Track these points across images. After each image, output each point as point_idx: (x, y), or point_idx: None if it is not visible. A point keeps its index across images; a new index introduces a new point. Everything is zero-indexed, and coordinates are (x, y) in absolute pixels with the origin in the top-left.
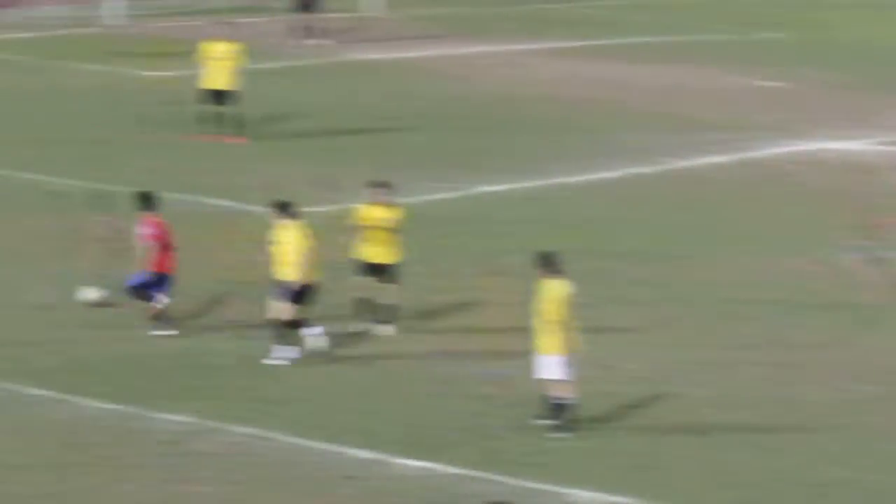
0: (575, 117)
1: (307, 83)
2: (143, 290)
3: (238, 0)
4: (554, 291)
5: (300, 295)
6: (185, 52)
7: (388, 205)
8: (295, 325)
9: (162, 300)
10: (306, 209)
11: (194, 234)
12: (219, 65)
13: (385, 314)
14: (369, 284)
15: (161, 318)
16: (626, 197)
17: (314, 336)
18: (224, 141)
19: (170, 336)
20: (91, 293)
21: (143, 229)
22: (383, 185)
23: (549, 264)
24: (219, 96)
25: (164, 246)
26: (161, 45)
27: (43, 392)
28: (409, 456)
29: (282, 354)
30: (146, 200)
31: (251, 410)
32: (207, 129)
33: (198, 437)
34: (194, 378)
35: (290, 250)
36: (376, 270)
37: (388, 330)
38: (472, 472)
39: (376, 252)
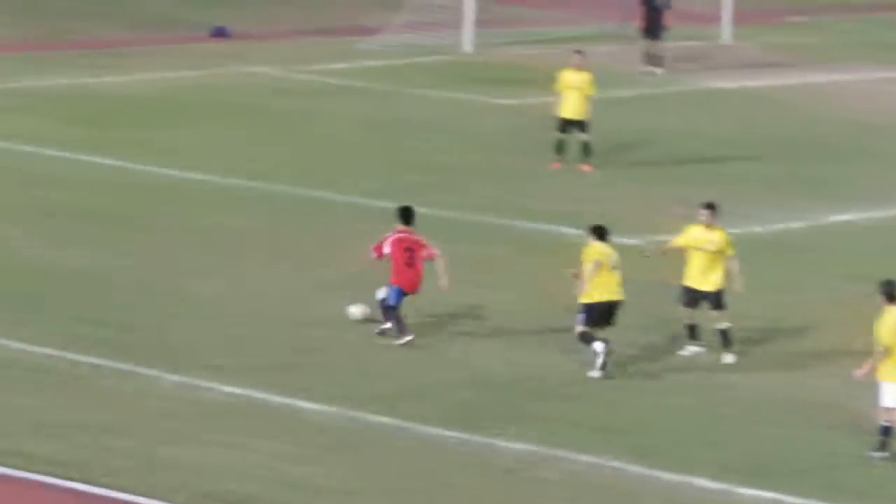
0: None
1: (654, 111)
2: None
3: (588, 28)
4: (893, 319)
5: (601, 314)
6: (534, 80)
7: (711, 227)
8: (587, 339)
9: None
10: (648, 237)
11: (532, 261)
12: (573, 94)
13: (723, 341)
14: (692, 309)
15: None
16: None
17: (599, 353)
18: (579, 168)
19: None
20: (357, 310)
21: (392, 242)
22: (708, 206)
23: (891, 292)
24: (571, 125)
25: (409, 261)
26: (511, 73)
27: (384, 419)
28: (754, 486)
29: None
30: (405, 214)
31: (592, 438)
32: (559, 156)
33: (541, 464)
34: (531, 403)
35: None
36: (700, 295)
37: (728, 358)
38: None
39: (699, 277)
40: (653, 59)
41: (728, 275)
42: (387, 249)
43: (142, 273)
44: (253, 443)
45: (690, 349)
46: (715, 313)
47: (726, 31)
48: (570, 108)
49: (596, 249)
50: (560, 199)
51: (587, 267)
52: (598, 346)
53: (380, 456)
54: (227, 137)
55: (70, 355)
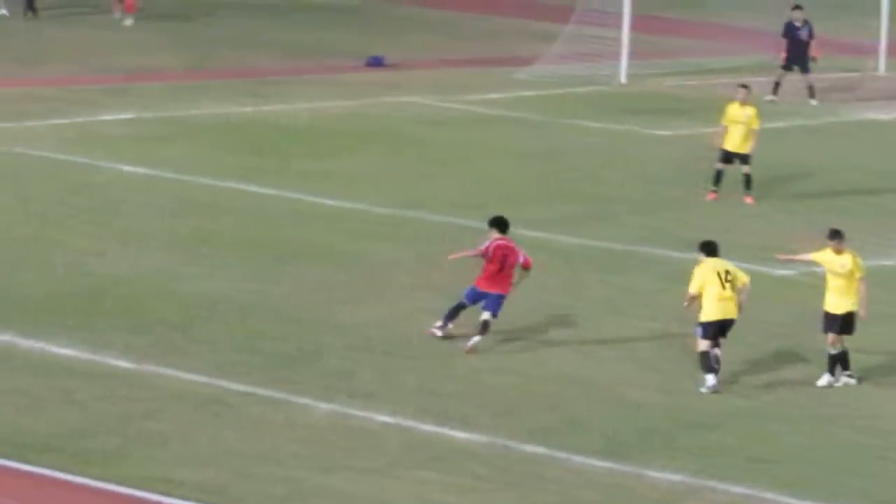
0: None
1: (808, 142)
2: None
3: (742, 59)
4: None
5: (718, 331)
6: (687, 111)
7: (840, 251)
8: (705, 363)
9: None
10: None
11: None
12: (738, 127)
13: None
14: (834, 335)
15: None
16: None
17: (709, 386)
18: (743, 200)
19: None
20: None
21: (494, 247)
22: (835, 234)
23: None
24: (733, 157)
25: (501, 267)
26: (665, 103)
27: (536, 449)
28: None
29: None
30: (501, 224)
31: (742, 468)
32: (716, 187)
33: (693, 495)
34: (678, 432)
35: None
36: (842, 321)
37: (844, 381)
38: None
39: (838, 302)
40: (809, 91)
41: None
42: (489, 249)
43: (294, 301)
44: (404, 471)
45: (827, 379)
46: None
47: (882, 63)
48: (735, 141)
49: (705, 266)
50: (714, 230)
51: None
52: (710, 379)
53: (531, 486)
54: (381, 167)
55: (221, 382)
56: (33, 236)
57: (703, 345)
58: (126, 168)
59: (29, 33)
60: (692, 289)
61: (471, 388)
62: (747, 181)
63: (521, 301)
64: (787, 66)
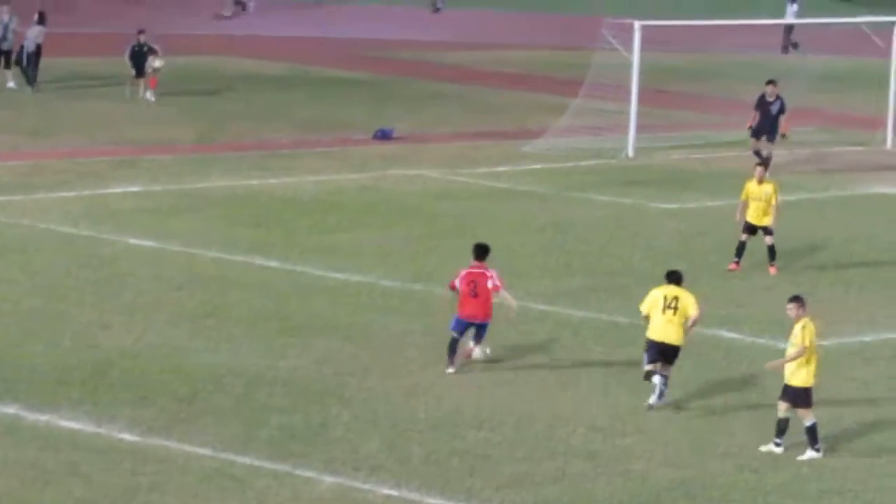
0: None
1: (816, 215)
2: (452, 343)
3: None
4: None
5: (659, 353)
6: (695, 184)
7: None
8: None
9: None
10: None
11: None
12: (757, 203)
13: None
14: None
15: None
16: None
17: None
18: (770, 271)
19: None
20: (479, 351)
21: (461, 277)
22: (794, 299)
23: None
24: (756, 229)
25: (473, 293)
26: (673, 176)
27: None
28: None
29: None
30: (481, 250)
31: None
32: (740, 259)
33: None
34: None
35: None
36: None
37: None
38: None
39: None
40: (764, 160)
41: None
42: (457, 283)
43: (300, 374)
44: None
45: (772, 446)
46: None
47: (889, 136)
48: (756, 214)
49: (658, 289)
50: (720, 302)
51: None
52: (657, 378)
53: None
54: (388, 239)
55: (226, 456)
56: (40, 309)
57: (647, 366)
58: (133, 241)
59: (38, 106)
60: (642, 309)
61: (476, 461)
62: (771, 252)
63: (529, 374)
64: (755, 134)
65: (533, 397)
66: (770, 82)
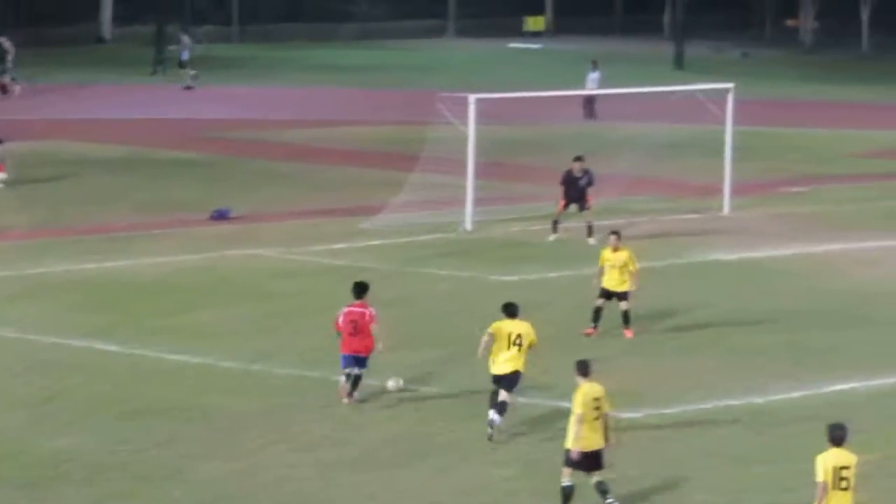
0: None
1: (658, 283)
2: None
3: (642, 203)
4: None
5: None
6: (533, 256)
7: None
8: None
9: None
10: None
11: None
12: (612, 270)
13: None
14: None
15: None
16: None
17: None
18: (626, 335)
19: None
20: (393, 383)
21: (342, 315)
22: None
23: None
24: (612, 294)
25: (353, 331)
26: (511, 249)
27: None
28: None
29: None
30: (360, 288)
31: None
32: (597, 325)
33: None
34: None
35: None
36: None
37: None
38: None
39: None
40: (587, 230)
41: None
42: (340, 322)
43: (142, 457)
44: None
45: None
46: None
47: (726, 203)
48: (612, 281)
49: (500, 325)
50: (560, 372)
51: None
52: (491, 413)
53: None
54: (226, 320)
55: None
56: None
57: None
58: None
59: None
60: (483, 339)
61: None
62: (625, 317)
63: (373, 452)
64: (565, 206)
65: (374, 476)
66: (577, 158)
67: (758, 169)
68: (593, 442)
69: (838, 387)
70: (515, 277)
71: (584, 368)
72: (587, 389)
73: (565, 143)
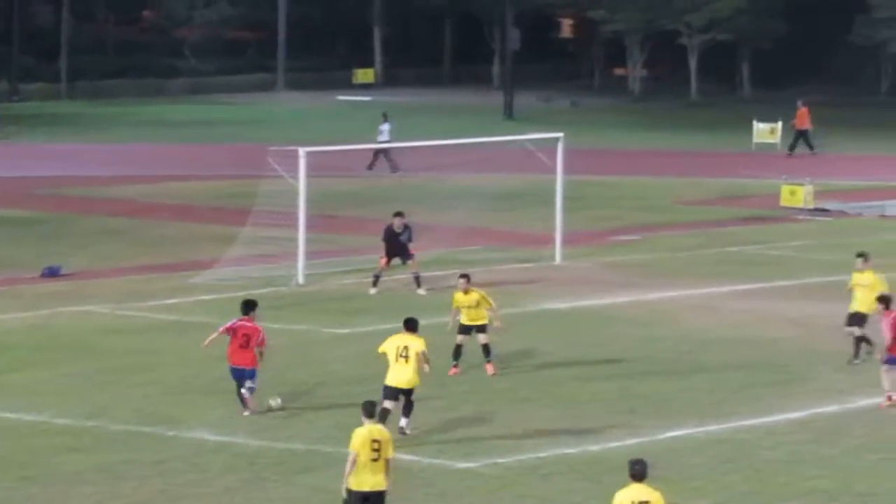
0: (760, 357)
1: (490, 333)
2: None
3: (426, 255)
4: None
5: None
6: (366, 308)
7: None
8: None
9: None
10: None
11: None
12: (466, 310)
13: None
14: None
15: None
16: (812, 437)
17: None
18: (487, 369)
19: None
20: (274, 402)
21: (234, 327)
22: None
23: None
24: (470, 329)
25: (243, 344)
26: (344, 302)
27: None
28: None
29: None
30: (247, 306)
31: None
32: (458, 361)
33: None
34: None
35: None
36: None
37: None
38: None
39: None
40: (415, 281)
41: None
42: (230, 326)
43: None
44: None
45: None
46: None
47: (558, 252)
48: (467, 318)
49: (392, 338)
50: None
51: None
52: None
53: None
54: (61, 377)
55: None
56: None
57: (384, 403)
58: None
59: None
60: (380, 349)
61: None
62: (486, 350)
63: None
64: (388, 262)
65: None
66: (397, 214)
67: (590, 218)
68: (375, 483)
69: (673, 433)
70: (349, 330)
71: (368, 409)
72: (366, 432)
73: (396, 195)
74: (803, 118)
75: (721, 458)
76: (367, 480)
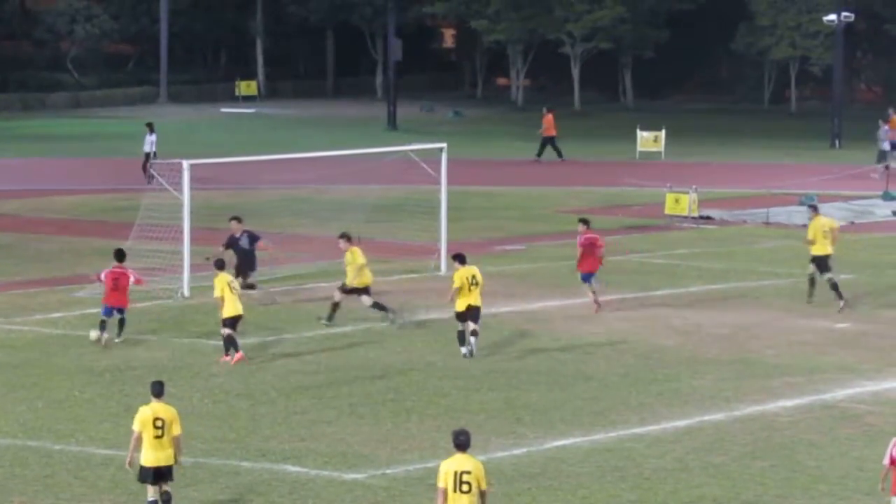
0: (645, 365)
1: (374, 345)
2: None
3: (309, 267)
4: None
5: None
6: (253, 320)
7: None
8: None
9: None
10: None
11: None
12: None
13: None
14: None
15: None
16: (699, 445)
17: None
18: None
19: None
20: (94, 333)
21: (106, 273)
22: None
23: None
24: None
25: (114, 287)
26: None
27: None
28: None
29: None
30: (120, 254)
31: None
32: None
33: None
34: None
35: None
36: None
37: None
38: None
39: None
40: (249, 286)
41: None
42: (102, 277)
43: None
44: None
45: None
46: None
47: (443, 262)
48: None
49: (461, 271)
50: (285, 437)
51: (453, 287)
52: (463, 349)
53: None
54: None
55: None
56: None
57: (459, 326)
58: None
59: None
60: (454, 286)
61: None
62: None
63: None
64: (239, 273)
65: None
66: (234, 218)
67: (473, 228)
68: (165, 458)
69: (559, 443)
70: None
71: (155, 389)
72: (149, 411)
73: (275, 208)
74: (550, 125)
75: (608, 467)
76: (156, 456)
